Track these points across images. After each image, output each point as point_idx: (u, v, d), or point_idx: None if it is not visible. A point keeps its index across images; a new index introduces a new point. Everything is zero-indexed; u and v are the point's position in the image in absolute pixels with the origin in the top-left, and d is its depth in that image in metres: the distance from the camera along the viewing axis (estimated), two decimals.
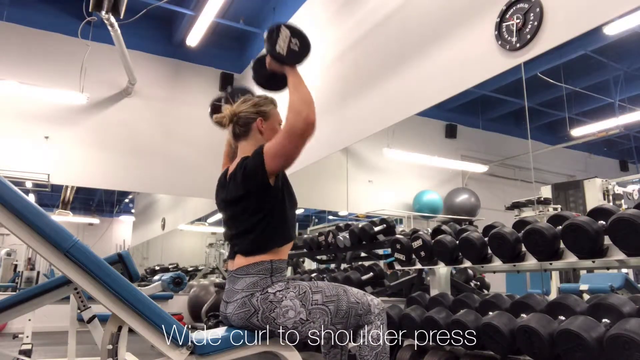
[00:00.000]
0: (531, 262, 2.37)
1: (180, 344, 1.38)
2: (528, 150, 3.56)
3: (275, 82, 1.75)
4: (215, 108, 2.04)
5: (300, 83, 1.60)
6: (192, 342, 1.40)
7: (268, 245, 1.60)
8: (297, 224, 1.81)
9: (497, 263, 2.54)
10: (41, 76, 6.03)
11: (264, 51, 1.69)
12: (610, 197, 4.54)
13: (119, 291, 1.31)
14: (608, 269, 2.98)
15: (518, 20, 2.87)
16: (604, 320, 1.93)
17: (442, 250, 2.80)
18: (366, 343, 1.64)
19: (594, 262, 2.15)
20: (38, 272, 6.51)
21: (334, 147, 4.78)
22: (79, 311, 2.60)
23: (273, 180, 1.59)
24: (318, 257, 4.92)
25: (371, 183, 6.11)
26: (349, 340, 1.83)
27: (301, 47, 1.63)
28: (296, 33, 1.63)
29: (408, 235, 3.18)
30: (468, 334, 2.26)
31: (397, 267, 3.31)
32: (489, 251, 2.56)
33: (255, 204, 1.60)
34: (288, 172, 1.71)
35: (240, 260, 1.61)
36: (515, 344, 2.09)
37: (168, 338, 1.36)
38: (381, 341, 1.65)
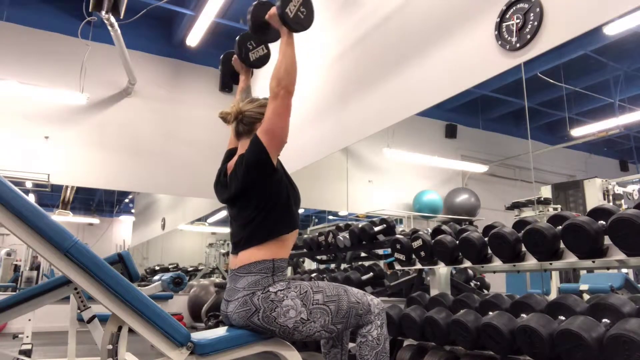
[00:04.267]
0: (531, 262, 2.36)
1: (180, 344, 1.38)
2: (528, 150, 3.57)
3: (265, 33, 1.85)
4: (227, 60, 2.09)
5: (291, 49, 1.66)
6: (192, 342, 1.40)
7: (273, 231, 1.61)
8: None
9: (497, 263, 2.54)
10: (41, 76, 6.03)
11: None
12: (610, 197, 4.53)
13: (119, 291, 1.31)
14: (608, 269, 2.99)
15: (518, 20, 2.87)
16: (604, 320, 1.93)
17: (442, 250, 2.80)
18: (366, 342, 1.64)
19: (594, 262, 2.15)
20: (38, 272, 6.51)
21: (334, 147, 4.78)
22: (79, 311, 2.59)
23: (275, 162, 1.63)
24: (318, 257, 4.92)
25: (371, 183, 6.11)
26: (349, 340, 1.83)
27: (306, 18, 1.70)
28: (306, 3, 1.71)
29: (408, 235, 3.18)
30: (468, 334, 2.26)
31: (397, 267, 3.31)
32: (489, 251, 2.56)
33: (260, 191, 1.61)
34: (289, 171, 1.71)
35: (242, 258, 1.61)
36: (515, 344, 2.09)
37: (168, 338, 1.36)
38: (381, 341, 1.65)
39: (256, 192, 1.62)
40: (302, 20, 1.70)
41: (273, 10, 1.71)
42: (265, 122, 1.62)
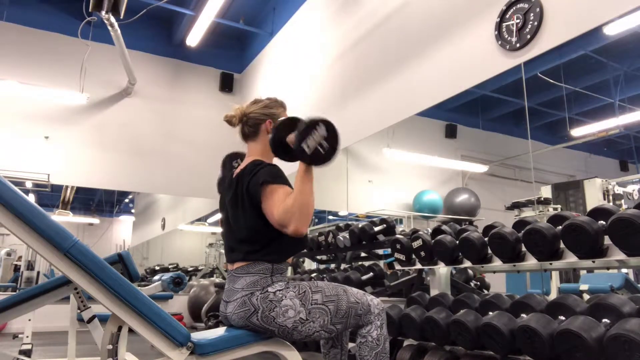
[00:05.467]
0: (531, 262, 2.36)
1: (180, 344, 1.38)
2: (528, 150, 3.56)
3: (286, 152, 1.64)
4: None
5: (307, 184, 1.50)
6: (192, 342, 1.40)
7: (273, 256, 1.61)
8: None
9: (497, 263, 2.54)
10: (41, 76, 6.03)
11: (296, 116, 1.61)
12: (610, 197, 4.53)
13: (119, 291, 1.31)
14: (608, 269, 2.98)
15: (518, 20, 2.87)
16: (604, 320, 1.93)
17: (442, 250, 2.80)
18: (366, 343, 1.64)
19: (594, 262, 2.14)
20: (38, 272, 6.50)
21: None
22: (79, 311, 2.59)
23: None
24: (318, 257, 4.91)
25: (371, 183, 6.11)
26: (349, 340, 1.83)
27: (327, 153, 1.50)
28: (332, 137, 1.50)
29: (408, 235, 3.18)
30: (468, 334, 2.26)
31: (397, 267, 3.30)
32: (489, 251, 2.56)
33: (262, 218, 1.59)
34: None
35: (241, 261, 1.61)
36: (515, 344, 2.09)
37: (168, 338, 1.36)
38: (381, 341, 1.65)
39: (259, 216, 1.59)
40: (322, 156, 1.49)
41: (292, 136, 1.53)
42: (268, 215, 1.53)
